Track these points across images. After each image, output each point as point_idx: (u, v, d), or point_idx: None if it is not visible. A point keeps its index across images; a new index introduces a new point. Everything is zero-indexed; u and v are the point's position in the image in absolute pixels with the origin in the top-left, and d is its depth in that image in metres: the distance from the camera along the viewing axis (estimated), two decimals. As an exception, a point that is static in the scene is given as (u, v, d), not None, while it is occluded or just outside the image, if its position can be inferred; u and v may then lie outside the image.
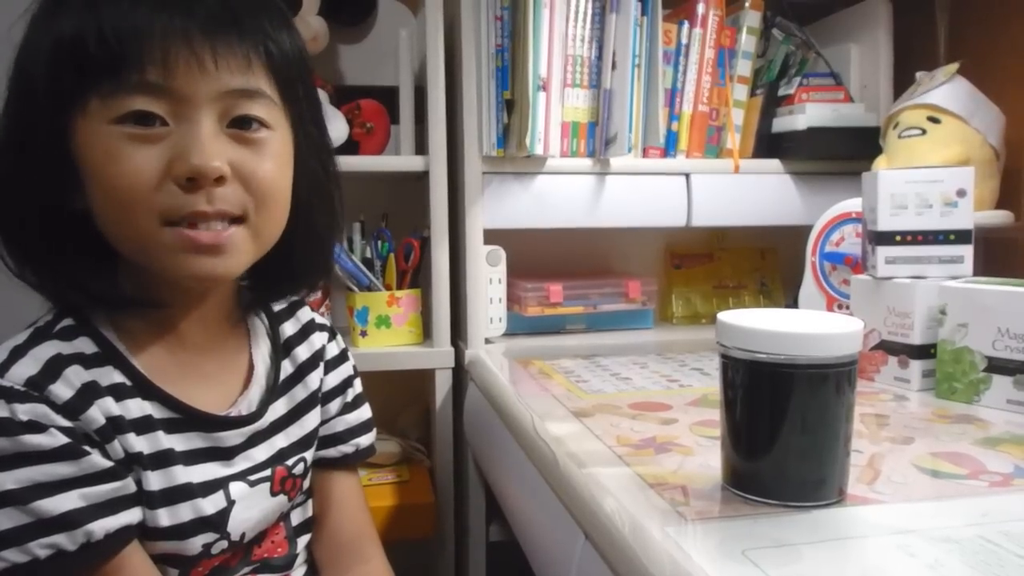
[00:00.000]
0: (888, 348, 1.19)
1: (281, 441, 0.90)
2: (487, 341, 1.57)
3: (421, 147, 1.56)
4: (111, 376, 0.76)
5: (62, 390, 0.72)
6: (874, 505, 0.74)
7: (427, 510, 1.49)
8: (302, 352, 0.96)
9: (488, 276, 1.56)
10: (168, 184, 0.72)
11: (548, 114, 1.46)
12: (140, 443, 0.76)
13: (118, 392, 0.76)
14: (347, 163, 1.49)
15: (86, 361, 0.75)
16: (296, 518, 0.95)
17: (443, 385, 1.56)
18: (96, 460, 0.72)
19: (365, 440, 1.03)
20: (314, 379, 0.95)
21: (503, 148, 1.50)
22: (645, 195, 1.59)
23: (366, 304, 1.52)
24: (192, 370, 0.84)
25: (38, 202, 0.75)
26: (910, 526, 0.69)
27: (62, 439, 0.70)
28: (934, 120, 1.41)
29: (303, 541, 0.95)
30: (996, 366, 1.06)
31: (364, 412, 1.04)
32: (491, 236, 1.54)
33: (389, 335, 1.54)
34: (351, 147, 1.54)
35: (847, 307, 1.35)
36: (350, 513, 1.00)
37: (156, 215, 0.72)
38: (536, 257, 1.73)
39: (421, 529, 1.49)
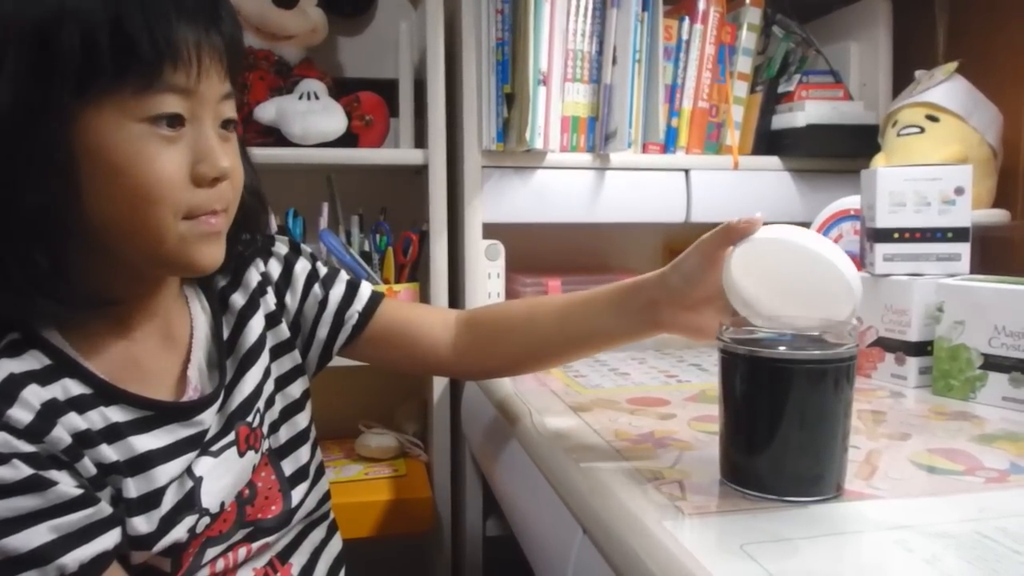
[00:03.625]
0: (885, 345, 1.20)
1: (235, 400, 0.87)
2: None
3: (420, 140, 1.56)
4: (69, 388, 0.73)
5: (21, 414, 0.68)
6: (871, 500, 0.74)
7: (424, 505, 1.49)
8: (238, 300, 0.92)
9: (487, 271, 1.56)
10: (187, 183, 0.73)
11: (548, 109, 1.46)
12: (113, 452, 0.74)
13: (79, 405, 0.73)
14: (346, 156, 1.50)
15: (40, 377, 0.71)
16: (288, 468, 0.92)
17: (440, 379, 1.57)
18: (63, 490, 0.69)
19: (361, 300, 1.01)
20: (256, 325, 0.91)
21: (503, 142, 1.50)
22: (644, 191, 1.59)
23: (364, 297, 1.52)
24: (149, 363, 0.82)
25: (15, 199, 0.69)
26: (907, 521, 0.69)
27: (25, 470, 0.67)
28: (933, 118, 1.41)
29: (300, 492, 0.92)
30: (992, 363, 1.07)
31: (341, 283, 1.01)
32: (490, 231, 1.54)
33: (387, 329, 1.53)
34: (350, 140, 1.53)
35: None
36: (417, 315, 1.05)
37: (178, 212, 0.73)
38: (535, 252, 1.73)
39: (418, 523, 1.50)
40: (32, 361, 0.72)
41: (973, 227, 1.19)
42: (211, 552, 0.83)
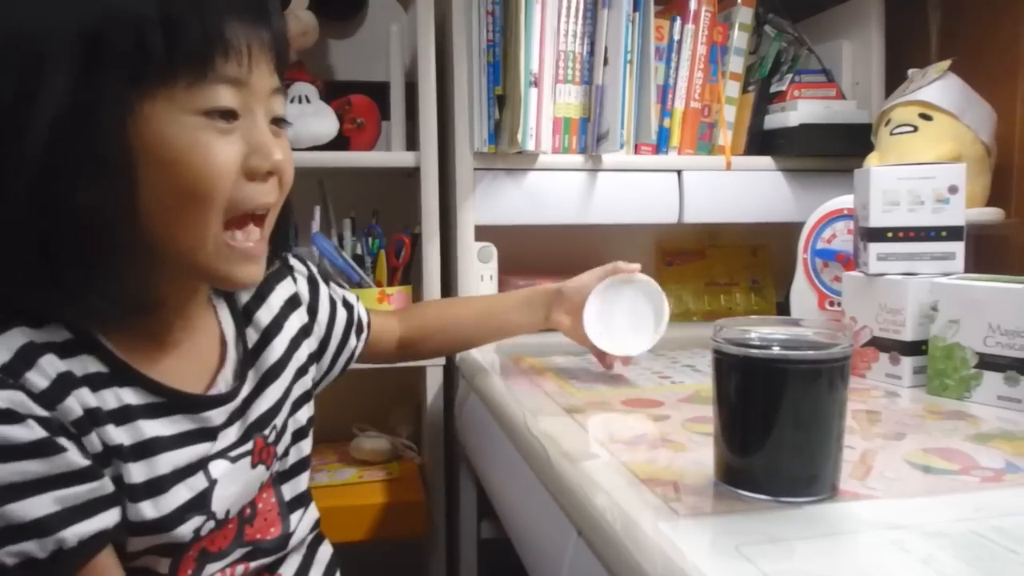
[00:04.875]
0: (880, 345, 1.19)
1: (255, 412, 0.88)
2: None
3: (412, 143, 1.56)
4: (86, 365, 0.72)
5: (38, 379, 0.68)
6: (867, 500, 0.74)
7: (418, 508, 1.49)
8: (263, 317, 0.93)
9: (479, 273, 1.56)
10: (240, 176, 0.74)
11: (540, 110, 1.46)
12: (120, 435, 0.74)
13: (94, 382, 0.72)
14: (337, 159, 1.50)
15: (59, 350, 0.71)
16: (288, 492, 0.94)
17: (434, 382, 1.56)
18: (72, 458, 0.69)
19: (363, 332, 1.14)
20: (280, 345, 0.93)
21: (495, 144, 1.50)
22: (637, 192, 1.59)
23: (357, 301, 1.51)
24: (170, 352, 0.81)
25: (66, 196, 0.69)
26: (903, 521, 0.69)
27: (39, 432, 0.67)
28: (926, 117, 1.41)
29: (296, 518, 0.94)
30: (987, 362, 1.06)
31: (342, 311, 1.09)
32: (482, 233, 1.54)
33: (380, 332, 1.53)
34: (341, 143, 1.53)
35: (839, 304, 1.35)
36: (378, 327, 1.18)
37: (225, 209, 0.74)
38: (527, 254, 1.72)
39: (412, 527, 1.49)
40: (53, 334, 0.72)
41: (967, 226, 1.18)
42: (210, 568, 0.83)
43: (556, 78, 1.51)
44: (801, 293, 1.45)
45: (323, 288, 1.06)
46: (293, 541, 0.93)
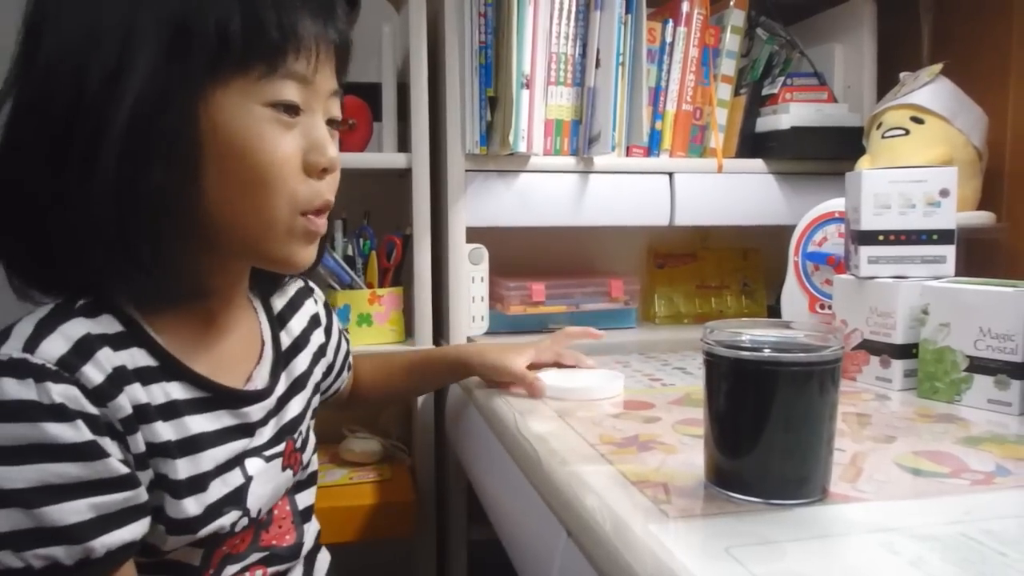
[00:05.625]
0: (870, 348, 1.20)
1: (287, 415, 0.91)
2: (469, 340, 1.57)
3: (404, 144, 1.55)
4: (136, 358, 0.74)
5: (94, 373, 0.69)
6: (857, 503, 0.74)
7: (408, 508, 1.48)
8: (295, 326, 0.97)
9: (470, 274, 1.56)
10: (299, 171, 0.77)
11: (532, 112, 1.46)
12: (167, 431, 0.74)
13: (144, 376, 0.74)
14: (329, 159, 1.49)
15: (113, 342, 0.72)
16: (302, 502, 0.96)
17: (425, 384, 1.55)
18: (112, 465, 0.69)
19: (348, 369, 1.18)
20: (304, 358, 0.96)
21: (486, 146, 1.49)
22: (628, 194, 1.59)
23: (348, 302, 1.51)
24: (214, 347, 0.83)
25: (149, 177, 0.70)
26: (893, 524, 0.69)
27: (86, 434, 0.67)
28: (917, 120, 1.42)
29: (308, 528, 0.96)
30: (977, 366, 1.06)
31: (344, 343, 1.14)
32: (474, 234, 1.54)
33: (371, 333, 1.53)
34: (333, 144, 1.52)
35: (829, 307, 1.35)
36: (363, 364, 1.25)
37: (292, 203, 0.77)
38: (519, 256, 1.72)
39: (402, 528, 1.49)
40: (107, 325, 0.73)
41: (958, 229, 1.19)
42: (230, 569, 0.84)
43: (548, 80, 1.51)
44: (792, 296, 1.45)
45: (334, 316, 1.11)
46: (304, 550, 0.94)
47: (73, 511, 0.67)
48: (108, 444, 0.69)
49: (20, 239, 0.74)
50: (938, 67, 1.43)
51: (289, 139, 0.75)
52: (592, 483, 0.79)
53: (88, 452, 0.67)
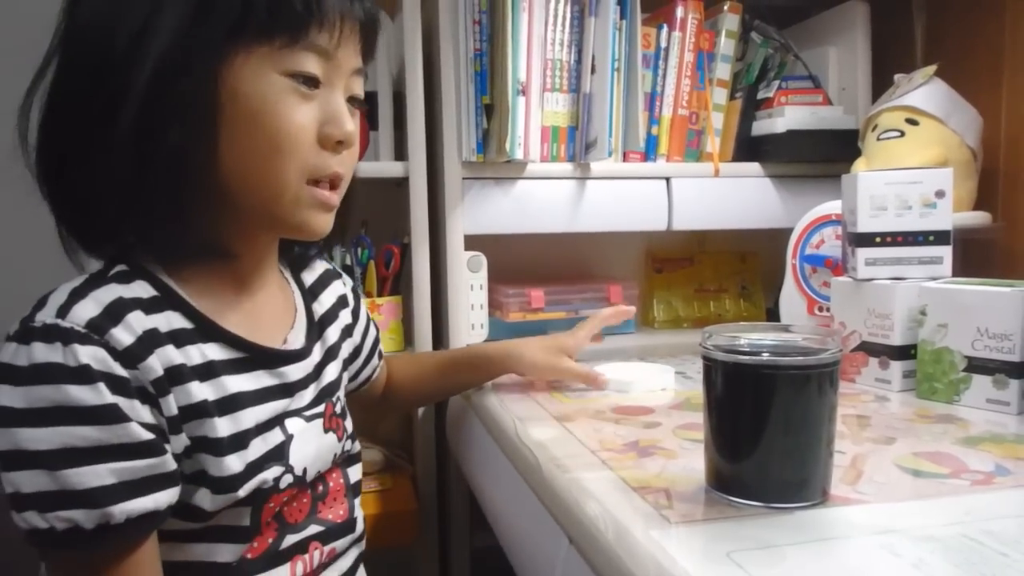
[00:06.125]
0: (869, 349, 1.20)
1: (325, 379, 0.93)
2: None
3: (400, 153, 1.56)
4: (171, 321, 0.75)
5: (123, 335, 0.70)
6: (857, 505, 0.74)
7: (410, 517, 1.48)
8: (325, 300, 1.00)
9: (469, 282, 1.56)
10: (314, 142, 0.78)
11: (528, 119, 1.46)
12: (204, 390, 0.76)
13: (178, 338, 0.75)
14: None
15: (146, 306, 0.74)
16: (353, 476, 0.97)
17: (425, 392, 1.55)
18: (134, 430, 0.69)
19: (378, 356, 1.18)
20: (334, 332, 0.98)
21: (483, 153, 1.49)
22: (626, 199, 1.59)
23: (347, 311, 1.51)
24: (249, 310, 0.85)
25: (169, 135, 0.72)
26: (893, 525, 0.69)
27: (107, 397, 0.67)
28: (912, 122, 1.42)
29: (358, 505, 0.97)
30: (976, 366, 1.07)
31: (373, 329, 1.15)
32: (472, 242, 1.54)
33: (370, 342, 1.53)
34: (330, 153, 1.52)
35: (828, 309, 1.35)
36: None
37: (302, 171, 0.78)
38: (517, 262, 1.72)
39: (405, 536, 1.48)
40: (140, 290, 0.75)
41: (954, 230, 1.19)
42: (290, 539, 0.85)
43: (544, 87, 1.51)
44: (790, 299, 1.45)
45: (363, 302, 1.13)
46: (357, 528, 0.95)
47: (94, 475, 0.67)
48: (134, 407, 0.70)
49: (62, 190, 0.76)
50: (932, 68, 1.44)
51: (306, 110, 0.77)
52: (593, 489, 0.80)
53: (107, 415, 0.68)
